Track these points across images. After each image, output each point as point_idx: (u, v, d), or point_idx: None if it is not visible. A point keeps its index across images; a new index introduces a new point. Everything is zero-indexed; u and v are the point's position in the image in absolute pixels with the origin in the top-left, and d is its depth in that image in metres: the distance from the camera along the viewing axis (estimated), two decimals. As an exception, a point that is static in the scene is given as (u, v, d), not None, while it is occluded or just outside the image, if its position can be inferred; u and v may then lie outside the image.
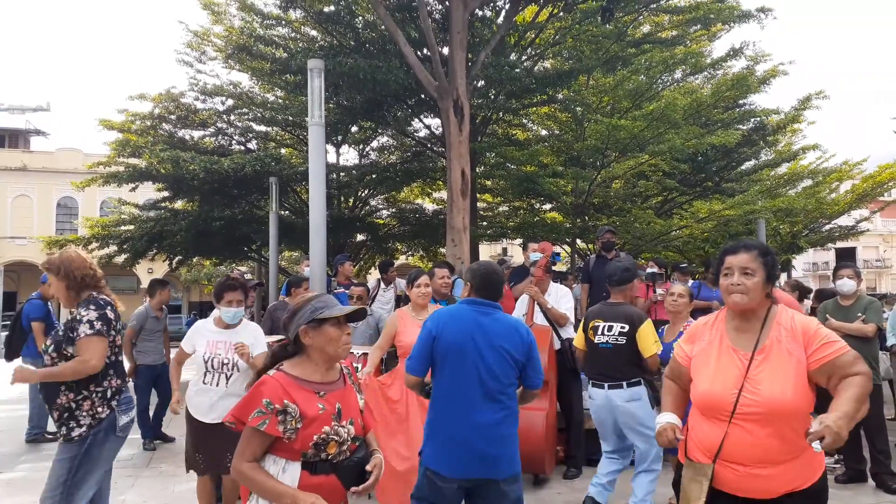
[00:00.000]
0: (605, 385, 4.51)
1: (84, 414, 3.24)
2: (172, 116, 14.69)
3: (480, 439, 3.04)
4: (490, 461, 3.06)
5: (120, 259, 16.23)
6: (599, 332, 4.62)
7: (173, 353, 4.90)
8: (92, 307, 3.29)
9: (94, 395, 3.26)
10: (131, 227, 15.68)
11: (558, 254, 6.48)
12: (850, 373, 2.29)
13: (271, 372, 2.36)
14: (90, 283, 3.40)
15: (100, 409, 3.26)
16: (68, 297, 3.39)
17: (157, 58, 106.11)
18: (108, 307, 3.34)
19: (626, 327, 4.53)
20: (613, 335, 4.56)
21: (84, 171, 18.91)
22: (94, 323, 3.23)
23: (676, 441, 2.48)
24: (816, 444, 2.06)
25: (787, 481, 2.33)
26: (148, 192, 17.11)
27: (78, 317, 3.27)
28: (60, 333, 3.31)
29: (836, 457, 6.22)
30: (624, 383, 4.47)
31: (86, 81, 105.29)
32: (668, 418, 2.56)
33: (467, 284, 3.34)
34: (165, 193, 15.43)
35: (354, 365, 5.03)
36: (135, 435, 8.03)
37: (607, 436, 4.64)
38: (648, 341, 4.46)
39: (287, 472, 2.26)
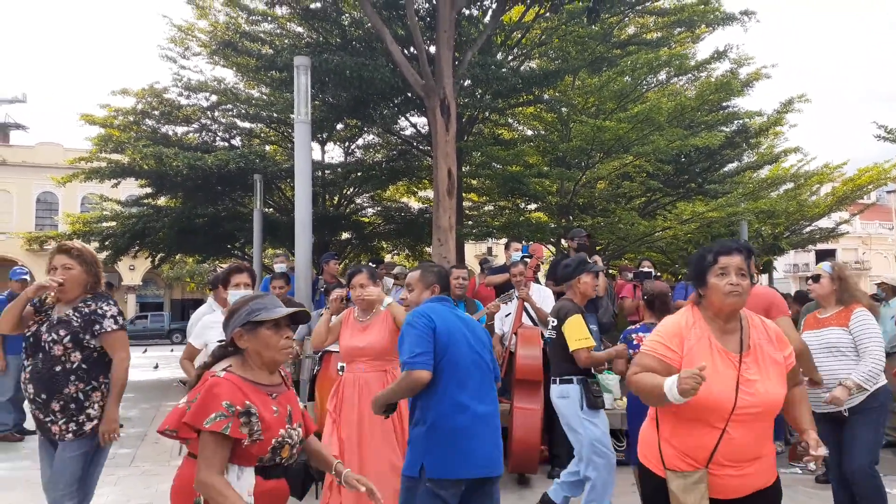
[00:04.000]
0: (552, 380, 4.52)
1: (95, 405, 3.25)
2: (156, 112, 14.53)
3: (488, 432, 3.03)
4: (495, 457, 3.06)
5: (102, 256, 16.05)
6: (549, 328, 4.66)
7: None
8: (111, 302, 3.37)
9: (102, 386, 3.29)
10: (113, 223, 15.51)
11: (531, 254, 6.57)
12: (798, 380, 2.64)
13: (220, 373, 2.22)
14: (98, 285, 3.46)
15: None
16: (79, 291, 3.36)
17: (139, 52, 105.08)
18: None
19: (556, 321, 4.47)
20: (549, 330, 4.60)
21: (65, 167, 18.74)
22: (118, 318, 3.33)
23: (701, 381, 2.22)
24: (812, 465, 2.43)
25: (756, 479, 2.46)
26: (130, 188, 16.94)
27: (99, 311, 3.31)
28: (76, 325, 3.27)
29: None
30: (557, 379, 4.43)
31: (65, 74, 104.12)
32: (674, 376, 2.31)
33: (432, 286, 3.28)
34: (148, 190, 15.30)
35: (340, 364, 4.99)
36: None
37: (566, 433, 4.61)
38: (572, 335, 4.27)
39: (242, 479, 2.19)
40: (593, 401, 4.26)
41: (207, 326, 4.16)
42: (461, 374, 3.02)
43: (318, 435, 5.29)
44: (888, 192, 37.51)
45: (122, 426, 7.83)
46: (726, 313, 2.49)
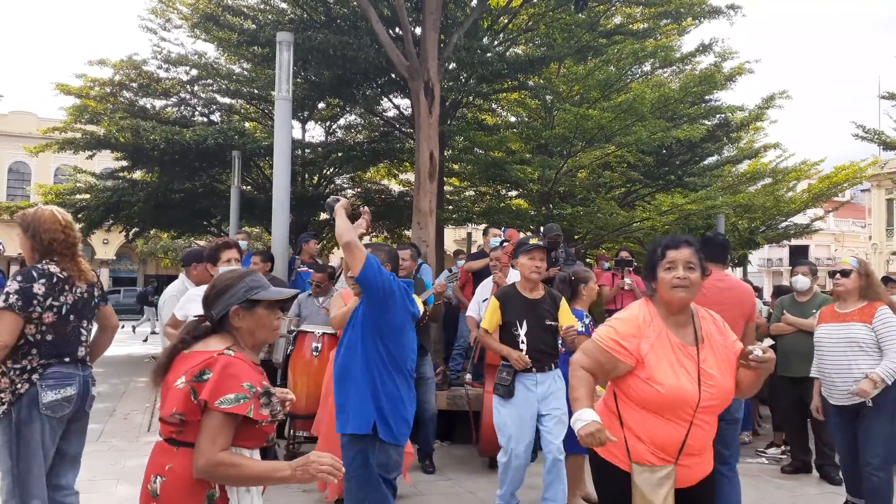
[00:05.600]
0: None
1: (2, 390, 3.06)
2: (134, 84, 14.24)
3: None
4: None
5: (74, 228, 15.83)
6: None
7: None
8: (18, 278, 3.07)
9: (11, 373, 3.07)
10: (87, 195, 15.28)
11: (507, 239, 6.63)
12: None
13: (229, 352, 2.10)
14: (57, 248, 3.18)
15: (19, 386, 3.07)
16: (31, 259, 3.21)
17: (118, 22, 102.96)
18: (42, 280, 3.09)
19: None
20: None
21: (38, 136, 18.36)
22: (10, 296, 3.01)
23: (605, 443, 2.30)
24: (758, 351, 2.32)
25: (699, 470, 2.50)
26: (105, 160, 16.66)
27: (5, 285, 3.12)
28: None
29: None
30: None
31: (40, 42, 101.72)
32: (592, 416, 2.34)
33: (383, 266, 3.43)
34: (124, 163, 15.06)
35: (314, 345, 4.98)
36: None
37: None
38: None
39: None
40: (496, 387, 4.33)
41: (190, 299, 4.12)
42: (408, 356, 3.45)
43: (292, 416, 5.29)
44: (862, 190, 38.08)
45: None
46: (675, 307, 2.48)
